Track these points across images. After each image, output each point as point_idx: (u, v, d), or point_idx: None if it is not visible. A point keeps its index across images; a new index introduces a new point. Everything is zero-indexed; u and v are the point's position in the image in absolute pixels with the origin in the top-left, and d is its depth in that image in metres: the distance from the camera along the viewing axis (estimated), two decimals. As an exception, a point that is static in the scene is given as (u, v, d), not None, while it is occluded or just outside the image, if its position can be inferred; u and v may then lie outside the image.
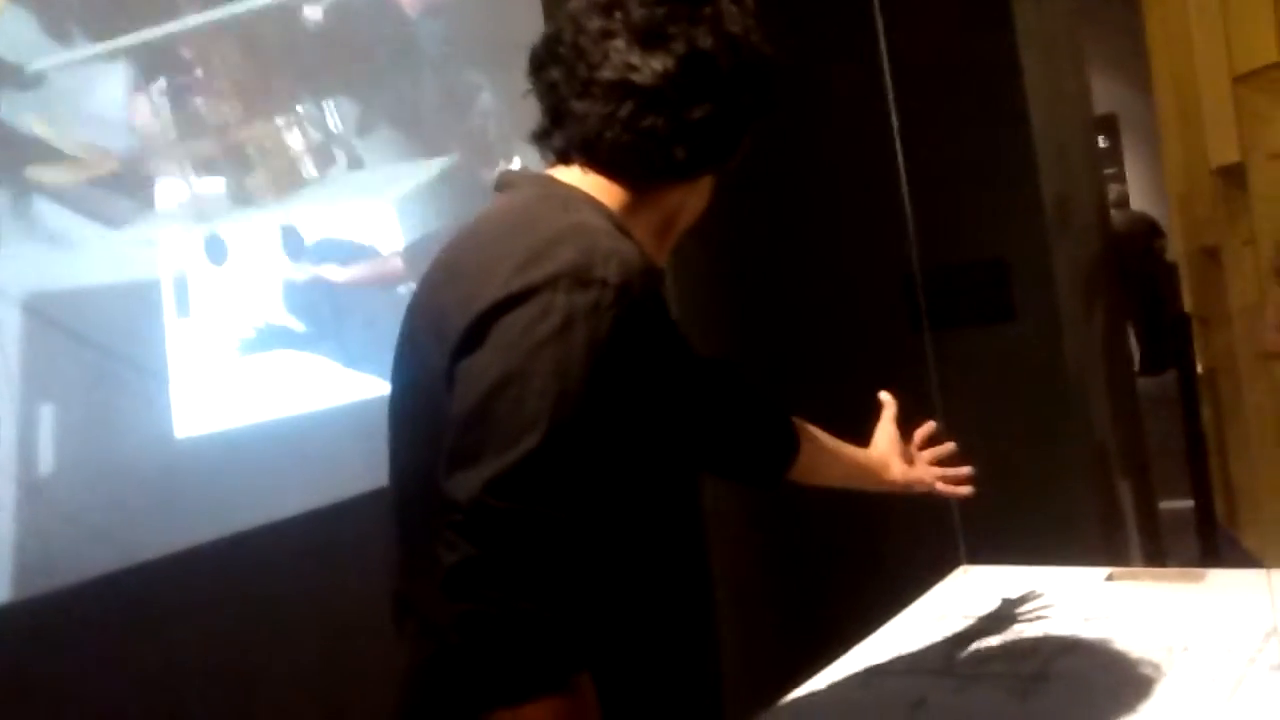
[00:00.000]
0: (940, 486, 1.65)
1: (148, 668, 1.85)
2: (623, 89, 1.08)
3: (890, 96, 2.96)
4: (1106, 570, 1.88)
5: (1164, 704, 1.38)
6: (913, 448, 1.66)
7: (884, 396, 1.67)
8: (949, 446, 1.67)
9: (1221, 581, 1.77)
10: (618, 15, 1.09)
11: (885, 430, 1.66)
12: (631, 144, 1.09)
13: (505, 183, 1.19)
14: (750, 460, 1.52)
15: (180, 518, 1.94)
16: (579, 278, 0.97)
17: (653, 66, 1.07)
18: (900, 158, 3.11)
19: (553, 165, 1.16)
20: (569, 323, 0.95)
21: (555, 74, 1.12)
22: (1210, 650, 1.50)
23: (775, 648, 1.76)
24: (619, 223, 1.09)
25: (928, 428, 1.68)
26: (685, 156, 1.10)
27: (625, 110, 1.08)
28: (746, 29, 1.13)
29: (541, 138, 1.17)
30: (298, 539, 2.07)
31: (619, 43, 1.08)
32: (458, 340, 0.99)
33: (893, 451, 1.64)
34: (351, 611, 2.13)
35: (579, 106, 1.10)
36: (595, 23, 1.10)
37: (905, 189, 3.15)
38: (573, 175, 1.13)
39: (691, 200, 1.19)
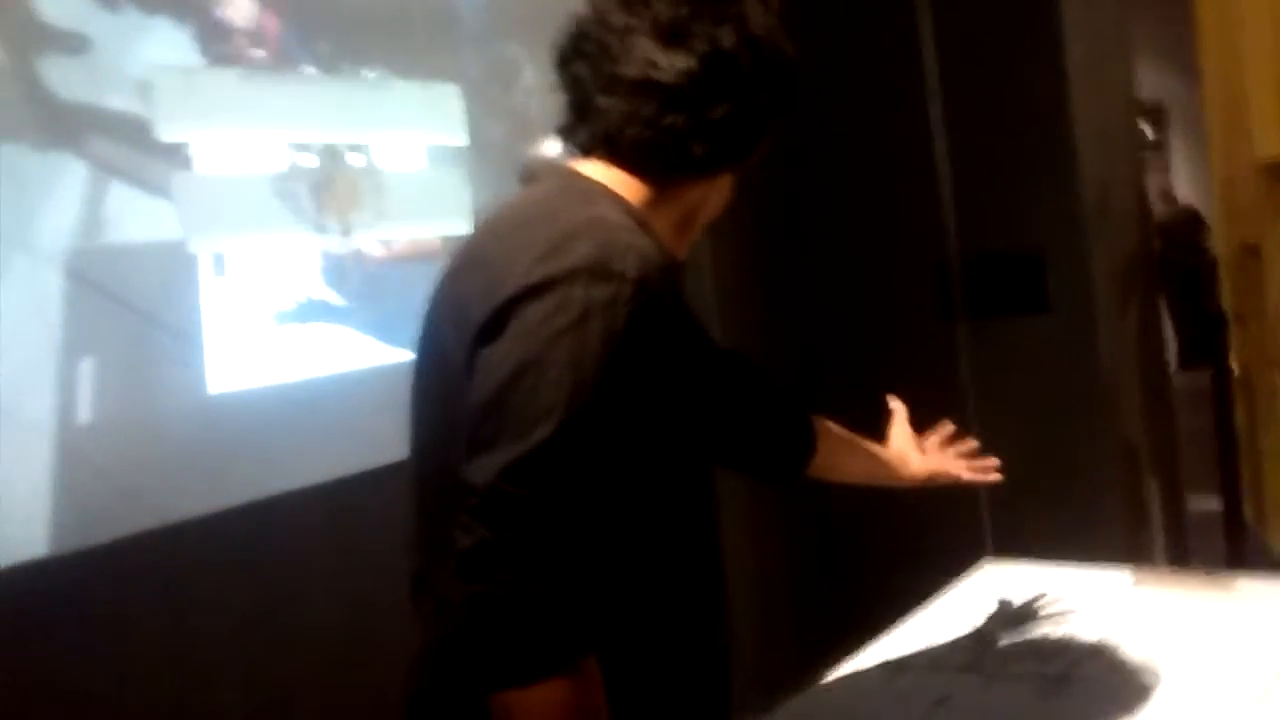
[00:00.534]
0: (966, 475, 1.64)
1: (173, 627, 1.89)
2: (645, 86, 1.09)
3: (933, 84, 2.93)
4: (1133, 573, 1.87)
5: (1188, 714, 1.37)
6: (930, 447, 1.66)
7: (891, 401, 1.69)
8: (971, 444, 1.67)
9: (1250, 590, 1.76)
10: (643, 12, 1.11)
11: (900, 429, 1.67)
12: (653, 140, 1.11)
13: (530, 174, 1.21)
14: (768, 456, 1.53)
15: (211, 479, 1.97)
16: (597, 271, 0.98)
17: (675, 65, 1.09)
18: (940, 146, 3.09)
19: (576, 158, 1.17)
20: (586, 315, 0.96)
21: (580, 69, 1.14)
22: (1237, 660, 1.49)
23: (798, 640, 1.77)
24: (640, 217, 1.11)
25: (946, 429, 1.68)
26: (705, 154, 1.12)
27: (648, 108, 1.10)
28: (769, 29, 1.14)
29: (566, 131, 1.18)
30: (322, 506, 2.10)
31: (643, 40, 1.10)
32: (478, 329, 1.01)
33: (910, 446, 1.65)
34: (371, 580, 2.16)
35: (602, 102, 1.12)
36: (620, 19, 1.11)
37: (946, 178, 3.13)
38: (595, 169, 1.15)
39: (712, 196, 1.21)
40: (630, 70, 1.09)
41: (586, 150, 1.16)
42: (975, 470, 1.64)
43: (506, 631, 0.93)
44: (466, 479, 0.96)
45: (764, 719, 1.52)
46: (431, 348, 1.15)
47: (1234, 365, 3.73)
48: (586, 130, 1.14)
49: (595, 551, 0.95)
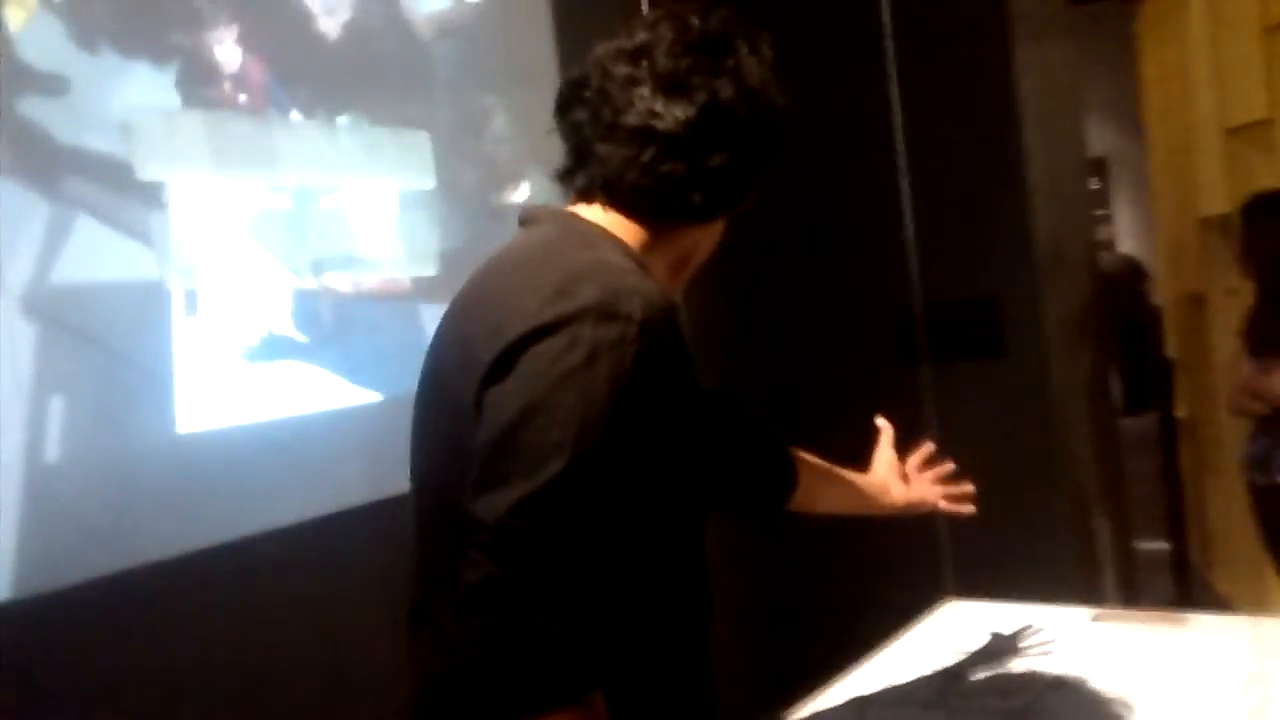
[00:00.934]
0: (943, 505, 1.68)
1: (144, 669, 1.87)
2: (645, 134, 1.13)
3: (898, 137, 3.02)
4: (1092, 610, 1.92)
5: (1146, 744, 1.42)
6: (911, 469, 1.70)
7: (881, 422, 1.72)
8: (948, 466, 1.71)
9: (1204, 626, 1.81)
10: (644, 64, 1.14)
11: (884, 454, 1.70)
12: (651, 187, 1.14)
13: (529, 218, 1.24)
14: (751, 492, 1.56)
15: (181, 519, 1.96)
16: (605, 312, 1.00)
17: (675, 114, 1.12)
18: (904, 197, 3.18)
19: (574, 202, 1.21)
20: (594, 355, 0.98)
21: (580, 115, 1.17)
22: (1193, 694, 1.54)
23: (759, 680, 1.80)
24: (638, 259, 1.14)
25: (926, 448, 1.72)
26: (702, 201, 1.15)
27: (647, 155, 1.13)
28: (764, 81, 1.18)
29: (565, 176, 1.22)
30: (295, 547, 2.09)
31: (644, 90, 1.13)
32: (486, 369, 1.03)
33: (892, 474, 1.68)
34: (348, 620, 2.16)
35: (603, 149, 1.15)
36: (622, 69, 1.15)
37: (909, 227, 3.21)
38: (594, 213, 1.18)
39: (705, 239, 1.25)
40: (631, 119, 1.12)
41: (584, 194, 1.19)
42: (951, 500, 1.68)
43: (515, 665, 0.94)
44: (475, 515, 0.97)
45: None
46: (435, 385, 1.17)
47: (1179, 412, 3.83)
48: (585, 175, 1.18)
49: (602, 587, 0.97)
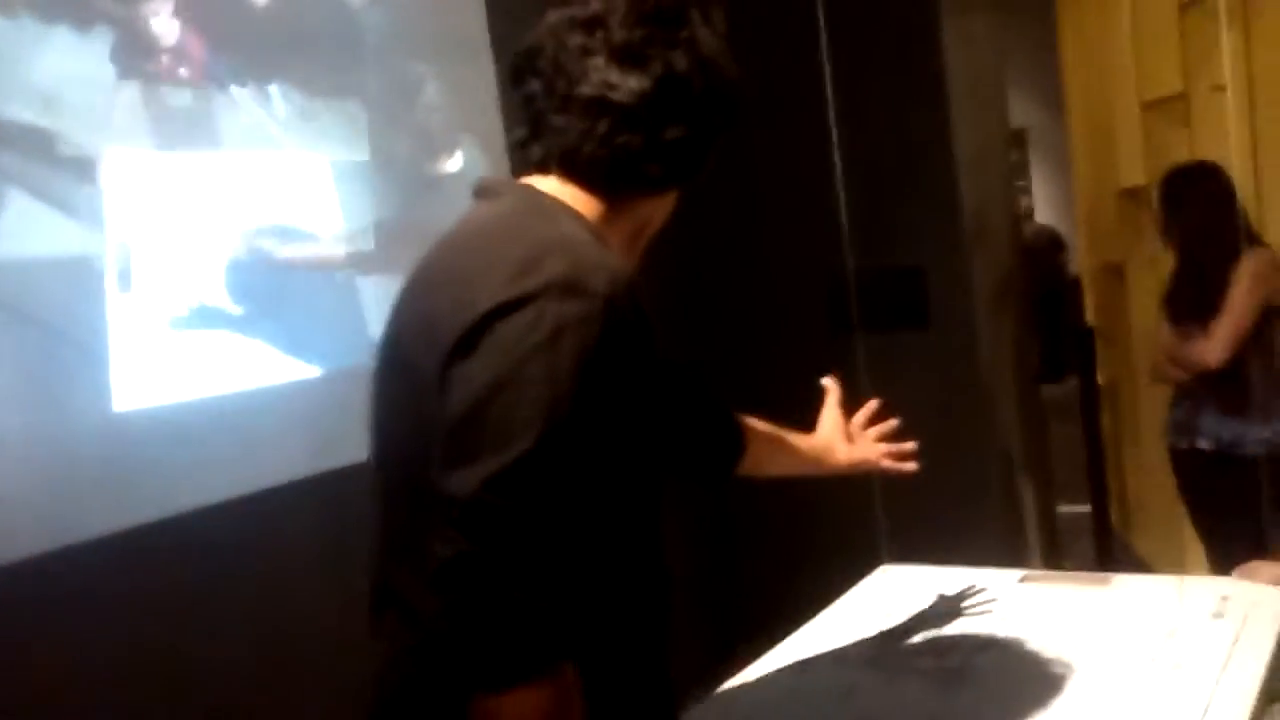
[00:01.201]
0: (885, 464, 1.70)
1: (77, 650, 1.86)
2: (600, 106, 1.13)
3: (830, 110, 3.05)
4: (1019, 572, 1.98)
5: (1074, 698, 1.48)
6: (855, 428, 1.72)
7: (827, 382, 1.73)
8: (891, 423, 1.73)
9: (1126, 586, 1.89)
10: (598, 34, 1.14)
11: (830, 414, 1.71)
12: (608, 159, 1.14)
13: (486, 190, 1.23)
14: (700, 458, 1.58)
15: (117, 496, 1.95)
16: (569, 288, 1.01)
17: (630, 86, 1.12)
18: (837, 168, 3.21)
19: (529, 173, 1.20)
20: (559, 331, 0.99)
21: (534, 86, 1.17)
22: (1117, 650, 1.61)
23: (697, 646, 1.83)
24: (596, 232, 1.15)
25: (870, 407, 1.73)
26: (659, 173, 1.16)
27: (602, 127, 1.13)
28: (718, 52, 1.19)
29: (519, 147, 1.21)
30: (233, 522, 2.08)
31: (598, 61, 1.13)
32: (451, 344, 1.03)
33: (837, 435, 1.70)
34: (289, 594, 2.16)
35: (557, 120, 1.15)
36: (576, 39, 1.14)
37: (840, 197, 3.26)
38: (550, 185, 1.18)
39: (661, 210, 1.25)
40: (586, 90, 1.13)
41: (540, 166, 1.18)
42: (893, 458, 1.70)
43: (488, 638, 0.95)
44: (445, 490, 0.98)
45: (683, 716, 1.57)
46: (397, 359, 1.16)
47: (1099, 378, 3.94)
48: (541, 147, 1.17)
49: (571, 560, 0.98)
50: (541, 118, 1.16)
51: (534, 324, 1.00)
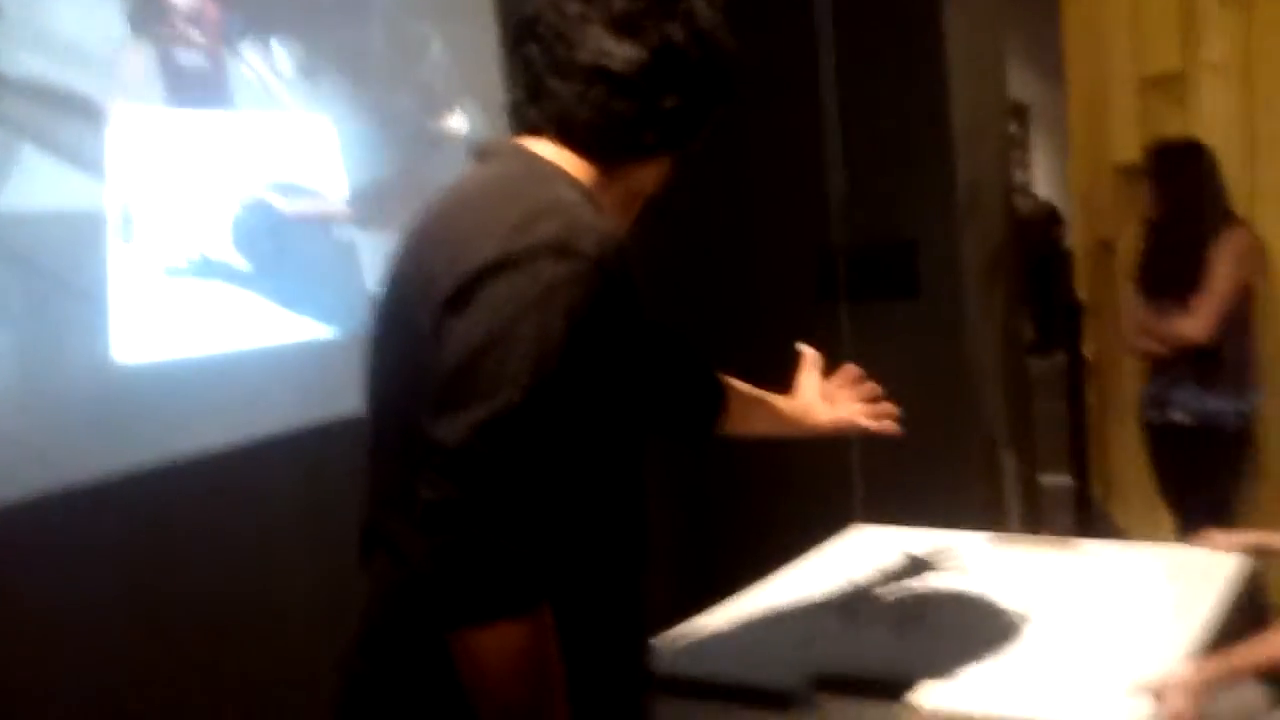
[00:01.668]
0: (866, 423, 1.72)
1: (72, 591, 1.91)
2: (596, 73, 1.17)
3: (827, 80, 3.08)
4: (989, 535, 2.05)
5: (1028, 647, 1.56)
6: (833, 390, 1.74)
7: (804, 348, 1.76)
8: (871, 386, 1.74)
9: (1090, 550, 1.95)
10: (597, 2, 1.18)
11: (809, 378, 1.75)
12: (602, 125, 1.19)
13: (484, 152, 1.28)
14: (684, 415, 1.63)
15: (114, 443, 1.99)
16: (561, 249, 1.06)
17: (626, 55, 1.17)
18: (832, 139, 3.24)
19: (526, 136, 1.24)
20: (551, 290, 1.04)
21: (533, 51, 1.21)
22: (1079, 609, 1.68)
23: (676, 596, 1.89)
24: (589, 195, 1.19)
25: (849, 371, 1.75)
26: (653, 140, 1.21)
27: (598, 94, 1.18)
28: (714, 24, 1.23)
29: (516, 110, 1.26)
30: (224, 472, 2.13)
31: (596, 29, 1.17)
32: (446, 299, 1.08)
33: (816, 397, 1.73)
34: (278, 540, 2.22)
35: (554, 85, 1.19)
36: (575, 7, 1.19)
37: (835, 168, 3.29)
38: (546, 149, 1.22)
39: (654, 176, 1.30)
40: (583, 56, 1.17)
41: (536, 129, 1.23)
42: (874, 418, 1.72)
43: (469, 577, 1.01)
44: (434, 437, 1.04)
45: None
46: (394, 313, 1.21)
47: (1087, 353, 4.00)
48: (537, 111, 1.22)
49: (552, 508, 1.04)
50: (539, 82, 1.21)
51: (526, 282, 1.05)
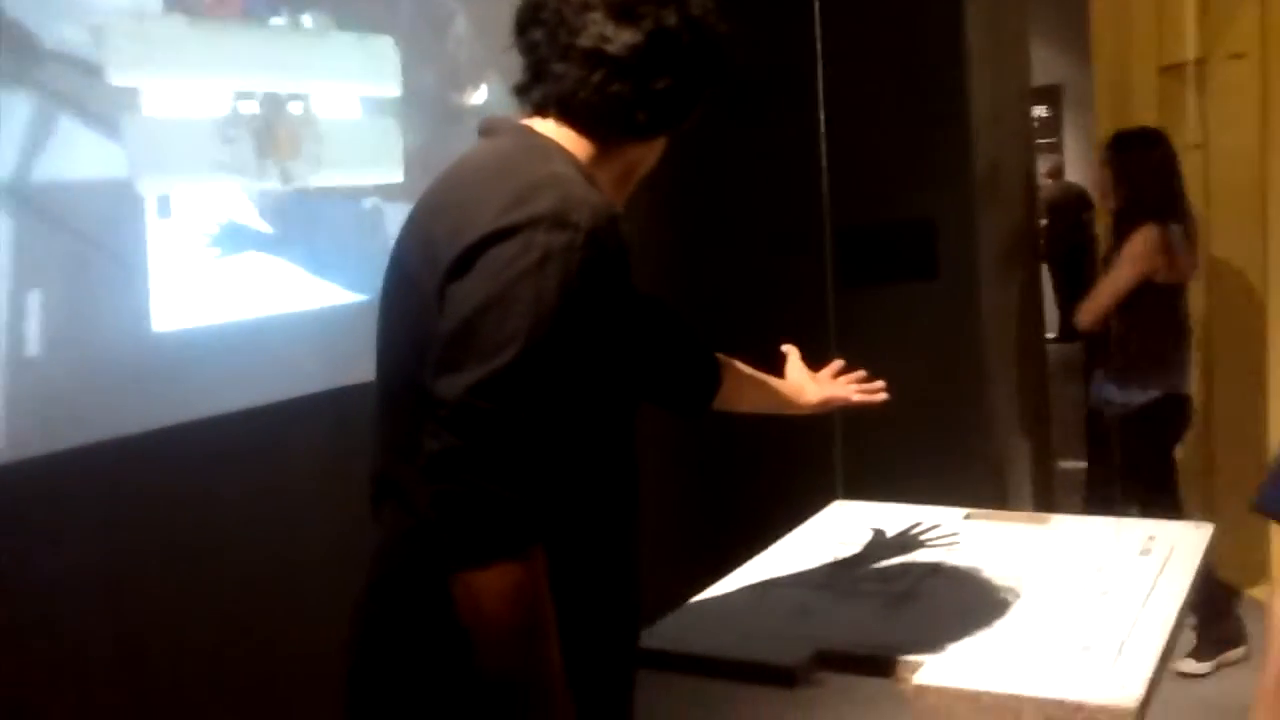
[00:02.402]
0: (857, 398, 1.83)
1: (100, 540, 2.02)
2: (596, 57, 1.25)
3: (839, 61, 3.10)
4: (963, 510, 2.11)
5: (1011, 619, 1.62)
6: (822, 378, 1.85)
7: (787, 348, 1.87)
8: (860, 373, 1.85)
9: (1064, 524, 2.02)
10: None
11: (795, 366, 1.85)
12: (600, 105, 1.27)
13: (488, 129, 1.37)
14: (679, 390, 1.71)
15: (151, 403, 2.09)
16: (557, 220, 1.14)
17: (623, 39, 1.25)
18: (848, 121, 3.27)
19: (529, 115, 1.33)
20: (546, 258, 1.13)
21: (538, 35, 1.29)
22: (1051, 579, 1.75)
23: (661, 572, 1.96)
24: (586, 172, 1.28)
25: (835, 365, 1.87)
26: (646, 119, 1.29)
27: (597, 76, 1.26)
28: (707, 10, 1.31)
29: (521, 91, 1.34)
30: (254, 432, 2.23)
31: (596, 15, 1.25)
32: (449, 266, 1.17)
33: (805, 380, 1.84)
34: (295, 497, 2.32)
35: (557, 68, 1.27)
36: None
37: (852, 149, 3.33)
38: (548, 127, 1.30)
39: (649, 155, 1.38)
40: (584, 41, 1.24)
41: (539, 109, 1.31)
42: (864, 393, 1.82)
43: (468, 522, 1.11)
44: (436, 393, 1.13)
45: (648, 630, 1.65)
46: (401, 279, 1.30)
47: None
48: (541, 91, 1.30)
49: (545, 460, 1.14)
50: (543, 65, 1.29)
51: (523, 251, 1.14)
